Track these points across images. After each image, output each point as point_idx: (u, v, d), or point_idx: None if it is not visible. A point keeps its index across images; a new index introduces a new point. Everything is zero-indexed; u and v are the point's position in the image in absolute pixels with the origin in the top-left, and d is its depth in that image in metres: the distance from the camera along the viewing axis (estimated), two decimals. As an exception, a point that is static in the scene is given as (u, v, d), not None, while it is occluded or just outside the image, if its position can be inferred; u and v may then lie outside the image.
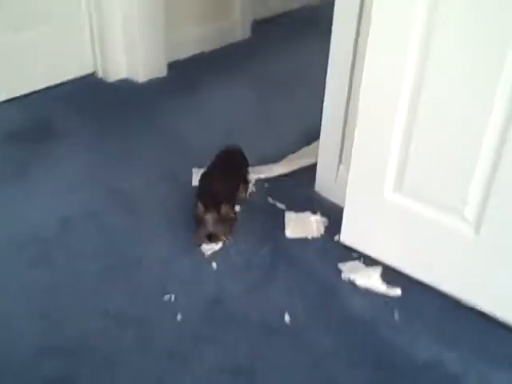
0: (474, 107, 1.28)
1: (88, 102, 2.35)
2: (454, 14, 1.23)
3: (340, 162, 1.80)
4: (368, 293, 1.54)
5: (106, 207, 1.78)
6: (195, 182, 1.89)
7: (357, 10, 1.54)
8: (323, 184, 1.87)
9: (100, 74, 2.51)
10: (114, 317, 1.42)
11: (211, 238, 1.61)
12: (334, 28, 1.63)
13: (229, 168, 1.74)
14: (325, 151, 1.82)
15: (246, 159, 1.82)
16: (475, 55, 1.24)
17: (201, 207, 1.58)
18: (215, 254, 1.62)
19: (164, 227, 1.72)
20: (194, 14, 2.72)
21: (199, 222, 1.60)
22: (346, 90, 1.66)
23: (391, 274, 1.57)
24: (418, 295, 1.53)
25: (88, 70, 2.51)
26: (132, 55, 2.47)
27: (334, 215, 1.78)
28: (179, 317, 1.42)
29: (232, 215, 1.65)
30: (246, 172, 1.82)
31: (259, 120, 2.33)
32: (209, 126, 2.25)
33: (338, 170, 1.81)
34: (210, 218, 1.57)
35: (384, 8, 1.31)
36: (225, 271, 1.57)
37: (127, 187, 1.88)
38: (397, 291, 1.53)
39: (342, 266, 1.60)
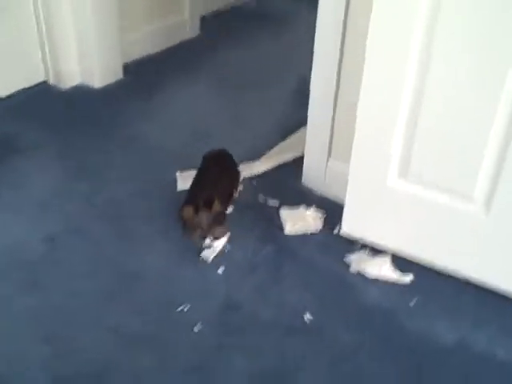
0: (483, 91, 1.30)
1: (44, 112, 2.23)
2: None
3: (329, 155, 1.79)
4: (380, 283, 1.54)
5: (90, 221, 1.70)
6: (181, 186, 1.83)
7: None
8: (311, 178, 1.86)
9: (52, 82, 2.39)
10: (126, 336, 1.35)
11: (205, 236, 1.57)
12: (319, 5, 1.59)
13: (221, 169, 1.69)
14: (312, 145, 1.81)
15: (233, 160, 1.78)
16: (481, 42, 1.26)
17: (189, 210, 1.53)
18: (218, 258, 1.57)
19: (156, 236, 1.66)
20: (143, 14, 2.64)
21: (191, 225, 1.55)
22: (335, 77, 1.65)
23: (399, 262, 1.58)
24: (430, 279, 1.54)
25: (39, 79, 2.38)
26: (86, 59, 2.36)
27: (327, 208, 1.78)
28: (197, 328, 1.37)
29: (222, 210, 1.61)
30: (238, 172, 1.77)
31: (227, 117, 2.29)
32: (177, 129, 2.19)
33: (327, 162, 1.80)
34: (202, 217, 1.52)
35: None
36: (231, 275, 1.53)
37: (107, 198, 1.79)
38: (408, 278, 1.54)
39: (348, 259, 1.60)
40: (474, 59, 1.29)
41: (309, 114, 1.78)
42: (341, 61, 1.63)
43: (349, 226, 1.64)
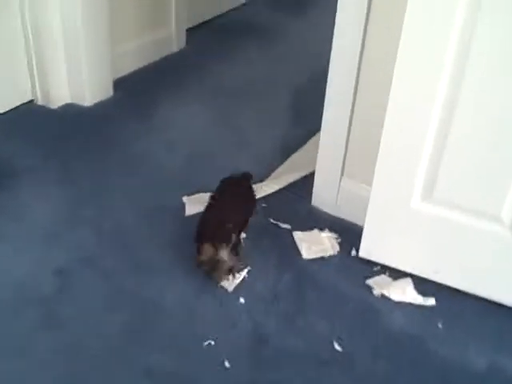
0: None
1: (36, 133, 2.17)
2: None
3: (342, 174, 1.78)
4: (404, 306, 1.54)
5: (100, 250, 1.65)
6: (189, 211, 1.80)
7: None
8: (322, 198, 1.85)
9: (40, 102, 2.32)
10: (158, 377, 1.32)
11: (233, 273, 1.54)
12: (338, 13, 1.56)
13: (235, 195, 1.66)
14: (324, 163, 1.80)
15: (251, 185, 1.74)
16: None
17: (209, 249, 1.49)
18: (238, 287, 1.55)
19: (170, 264, 1.62)
20: (129, 29, 2.59)
21: (213, 263, 1.52)
22: (352, 90, 1.63)
23: (420, 284, 1.59)
24: (454, 302, 1.55)
25: (25, 98, 2.32)
26: (75, 77, 2.30)
27: (340, 229, 1.78)
28: (227, 364, 1.35)
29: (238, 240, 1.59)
30: (254, 199, 1.74)
31: (226, 135, 2.26)
32: (175, 149, 2.15)
33: (340, 182, 1.79)
34: (224, 255, 1.49)
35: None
36: (254, 305, 1.51)
37: (114, 225, 1.75)
38: (431, 301, 1.55)
39: (370, 283, 1.59)
40: (507, 79, 1.29)
41: (322, 129, 1.75)
42: (358, 72, 1.61)
43: (368, 248, 1.64)
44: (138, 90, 2.52)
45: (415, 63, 1.35)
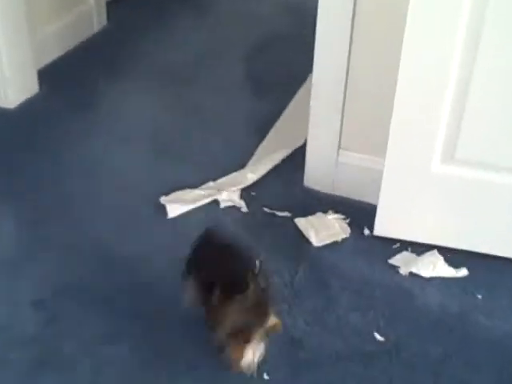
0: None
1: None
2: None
3: (339, 146, 1.81)
4: (436, 282, 1.60)
5: (80, 272, 1.61)
6: (172, 213, 1.79)
7: None
8: (317, 177, 1.88)
9: (-46, 109, 2.23)
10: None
11: None
12: None
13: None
14: (317, 136, 1.81)
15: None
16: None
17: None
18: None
19: (164, 279, 1.60)
20: (44, 13, 2.51)
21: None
22: (346, 48, 1.65)
23: (447, 255, 1.65)
24: (487, 268, 1.64)
25: None
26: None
27: (346, 209, 1.82)
28: (266, 376, 1.36)
29: None
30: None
31: (186, 120, 2.25)
32: (131, 143, 2.11)
33: (337, 156, 1.82)
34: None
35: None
36: (277, 307, 1.53)
37: (89, 241, 1.71)
38: (464, 271, 1.62)
39: (394, 262, 1.65)
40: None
41: (312, 94, 1.76)
42: (352, 28, 1.63)
43: (384, 225, 1.69)
44: (65, 81, 2.43)
45: (430, 14, 1.39)
